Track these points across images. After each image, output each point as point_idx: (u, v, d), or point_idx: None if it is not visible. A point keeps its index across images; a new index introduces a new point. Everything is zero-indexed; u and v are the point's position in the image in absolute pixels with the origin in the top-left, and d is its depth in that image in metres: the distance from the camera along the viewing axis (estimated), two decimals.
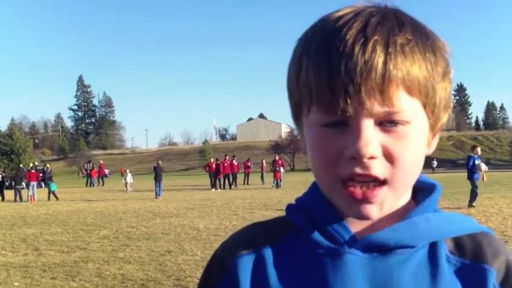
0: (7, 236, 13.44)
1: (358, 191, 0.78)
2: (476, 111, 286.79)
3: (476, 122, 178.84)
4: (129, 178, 36.10)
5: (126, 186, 35.69)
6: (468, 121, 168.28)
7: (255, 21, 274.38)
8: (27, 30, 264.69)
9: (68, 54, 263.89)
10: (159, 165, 29.81)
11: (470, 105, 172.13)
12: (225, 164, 35.44)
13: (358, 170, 0.77)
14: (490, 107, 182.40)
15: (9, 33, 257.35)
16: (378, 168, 0.77)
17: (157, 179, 28.15)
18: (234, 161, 37.05)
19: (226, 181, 35.24)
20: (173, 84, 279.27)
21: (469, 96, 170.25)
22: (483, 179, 18.55)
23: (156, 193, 27.53)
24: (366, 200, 0.78)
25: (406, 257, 0.84)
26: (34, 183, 30.66)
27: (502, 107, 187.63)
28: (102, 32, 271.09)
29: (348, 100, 0.74)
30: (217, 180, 33.85)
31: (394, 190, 0.80)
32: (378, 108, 0.75)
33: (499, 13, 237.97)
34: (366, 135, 0.76)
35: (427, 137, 0.84)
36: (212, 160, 36.73)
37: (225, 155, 38.81)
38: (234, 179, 36.58)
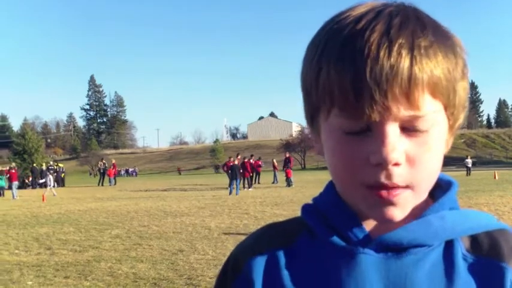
0: (20, 236, 13.50)
1: (383, 192, 0.77)
2: (488, 109, 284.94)
3: (488, 119, 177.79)
4: (51, 181, 34.73)
5: (48, 187, 33.87)
6: (479, 119, 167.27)
7: (265, 21, 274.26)
8: (39, 30, 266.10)
9: (80, 54, 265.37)
10: (233, 163, 29.57)
11: (481, 102, 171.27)
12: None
13: (383, 179, 0.76)
14: (502, 105, 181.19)
15: (21, 35, 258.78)
16: (400, 176, 0.76)
17: (232, 176, 28.20)
18: (251, 160, 36.88)
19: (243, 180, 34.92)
20: (184, 83, 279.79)
21: (480, 94, 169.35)
22: (495, 177, 18.42)
23: (230, 190, 27.65)
24: (391, 200, 0.77)
25: (421, 256, 0.83)
26: (15, 182, 32.87)
27: None
28: (114, 32, 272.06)
29: (374, 106, 0.73)
30: (245, 179, 33.41)
31: (416, 193, 0.80)
32: (403, 112, 0.74)
33: (510, 10, 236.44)
34: (392, 141, 0.75)
35: (446, 137, 0.84)
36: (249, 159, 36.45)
37: (251, 155, 38.89)
38: (251, 178, 36.31)
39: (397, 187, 0.77)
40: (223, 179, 36.25)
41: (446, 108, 0.79)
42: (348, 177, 0.80)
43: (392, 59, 0.73)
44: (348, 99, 0.75)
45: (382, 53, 0.73)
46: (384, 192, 0.77)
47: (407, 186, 0.78)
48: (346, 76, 0.74)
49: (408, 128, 0.76)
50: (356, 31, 0.76)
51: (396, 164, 0.75)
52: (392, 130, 0.75)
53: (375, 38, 0.74)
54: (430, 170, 0.80)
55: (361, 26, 0.76)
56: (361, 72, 0.73)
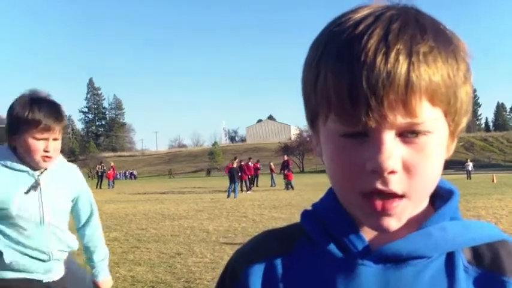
0: None
1: (378, 203, 0.76)
2: (486, 112, 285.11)
3: (486, 123, 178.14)
4: None
5: None
6: (478, 122, 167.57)
7: (264, 25, 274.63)
8: (38, 33, 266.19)
9: (79, 57, 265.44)
10: (233, 167, 29.75)
11: (479, 106, 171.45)
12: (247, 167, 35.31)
13: (379, 186, 0.75)
14: (500, 108, 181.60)
15: (20, 37, 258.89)
16: (397, 183, 0.75)
17: (230, 180, 28.32)
18: (250, 163, 37.03)
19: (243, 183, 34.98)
20: (183, 86, 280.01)
21: (478, 97, 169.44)
22: (493, 181, 18.46)
23: (228, 194, 27.67)
24: (385, 211, 0.76)
25: (420, 268, 0.81)
26: None
27: None
28: (113, 34, 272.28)
29: (370, 113, 0.72)
30: (243, 182, 33.33)
31: (413, 202, 0.78)
32: (400, 120, 0.73)
33: (509, 12, 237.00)
34: (388, 149, 0.74)
35: (447, 143, 0.83)
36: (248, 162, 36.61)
37: (249, 158, 39.35)
38: (252, 181, 36.33)
39: (393, 195, 0.76)
40: (221, 181, 36.19)
41: (446, 114, 0.78)
42: (345, 184, 0.79)
43: (389, 66, 0.71)
44: (344, 106, 0.74)
45: (379, 59, 0.72)
46: (378, 203, 0.76)
47: (403, 195, 0.77)
48: (343, 82, 0.73)
49: (406, 135, 0.75)
50: (354, 36, 0.74)
51: (392, 172, 0.74)
52: (388, 137, 0.74)
53: (372, 44, 0.73)
54: (428, 178, 0.78)
55: (360, 31, 0.74)
56: (357, 78, 0.72)
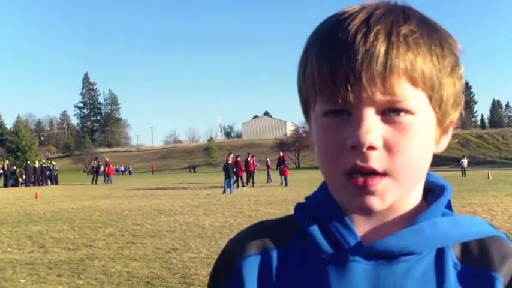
0: (13, 234, 13.44)
1: (359, 180, 0.76)
2: (482, 109, 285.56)
3: (482, 120, 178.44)
4: None
5: None
6: (473, 119, 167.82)
7: (260, 21, 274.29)
8: (33, 28, 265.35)
9: (74, 52, 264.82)
10: (227, 161, 29.83)
11: (475, 103, 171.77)
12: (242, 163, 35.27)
13: (358, 162, 0.76)
14: (496, 105, 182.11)
15: (15, 31, 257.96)
16: (377, 160, 0.76)
17: (225, 175, 28.37)
18: (249, 159, 37.04)
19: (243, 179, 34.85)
20: (178, 81, 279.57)
21: (474, 94, 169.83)
22: (488, 177, 18.50)
23: (224, 189, 27.58)
24: (367, 188, 0.77)
25: (411, 264, 0.82)
26: None
27: (507, 105, 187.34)
28: (108, 30, 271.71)
29: (349, 88, 0.74)
30: (240, 178, 33.26)
31: (397, 182, 0.78)
32: (379, 96, 0.75)
33: (504, 10, 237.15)
34: (367, 124, 0.75)
35: (435, 132, 0.83)
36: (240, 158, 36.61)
37: (248, 153, 39.39)
38: (252, 176, 36.34)
39: (374, 172, 0.77)
40: (216, 177, 36.10)
41: (431, 99, 0.79)
42: (329, 165, 0.81)
43: (368, 44, 0.74)
44: (326, 83, 0.77)
45: (358, 38, 0.75)
46: (359, 180, 0.77)
47: (385, 173, 0.77)
48: (325, 61, 0.77)
49: (388, 114, 0.77)
50: (338, 21, 0.79)
51: (371, 148, 0.75)
52: (369, 114, 0.76)
53: (353, 26, 0.76)
54: (410, 158, 0.78)
55: (344, 17, 0.78)
56: (337, 56, 0.75)
